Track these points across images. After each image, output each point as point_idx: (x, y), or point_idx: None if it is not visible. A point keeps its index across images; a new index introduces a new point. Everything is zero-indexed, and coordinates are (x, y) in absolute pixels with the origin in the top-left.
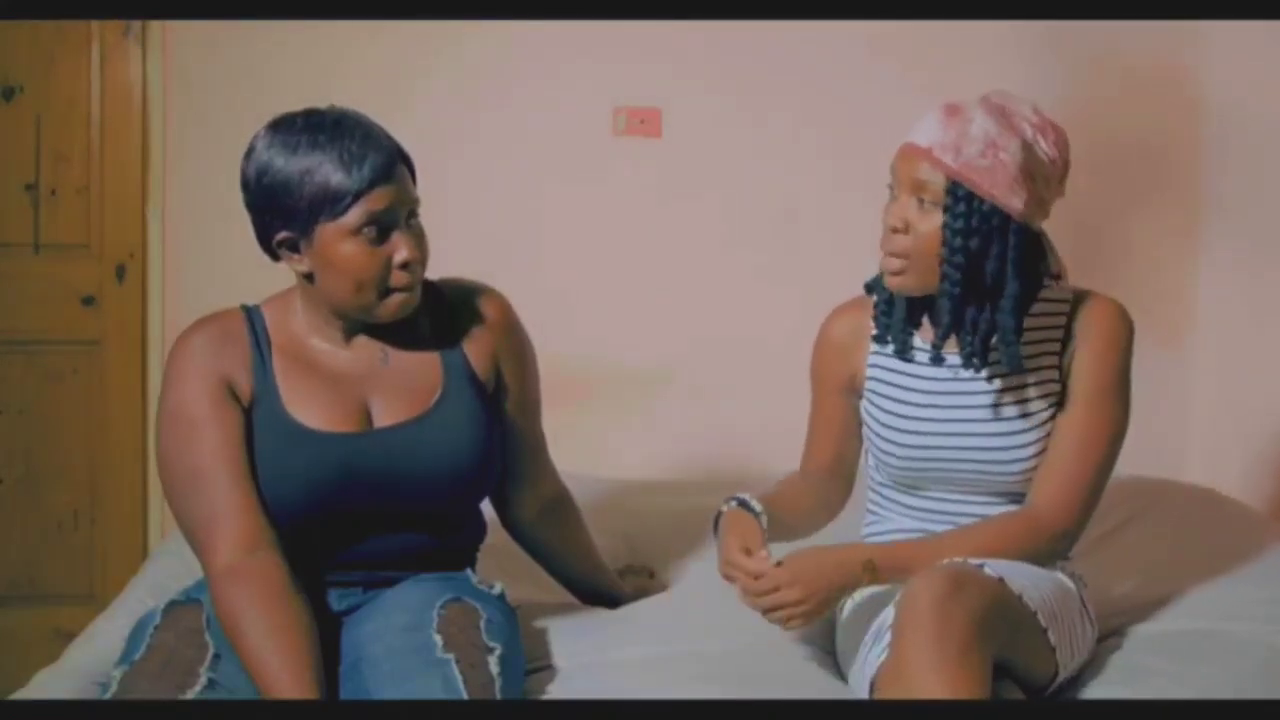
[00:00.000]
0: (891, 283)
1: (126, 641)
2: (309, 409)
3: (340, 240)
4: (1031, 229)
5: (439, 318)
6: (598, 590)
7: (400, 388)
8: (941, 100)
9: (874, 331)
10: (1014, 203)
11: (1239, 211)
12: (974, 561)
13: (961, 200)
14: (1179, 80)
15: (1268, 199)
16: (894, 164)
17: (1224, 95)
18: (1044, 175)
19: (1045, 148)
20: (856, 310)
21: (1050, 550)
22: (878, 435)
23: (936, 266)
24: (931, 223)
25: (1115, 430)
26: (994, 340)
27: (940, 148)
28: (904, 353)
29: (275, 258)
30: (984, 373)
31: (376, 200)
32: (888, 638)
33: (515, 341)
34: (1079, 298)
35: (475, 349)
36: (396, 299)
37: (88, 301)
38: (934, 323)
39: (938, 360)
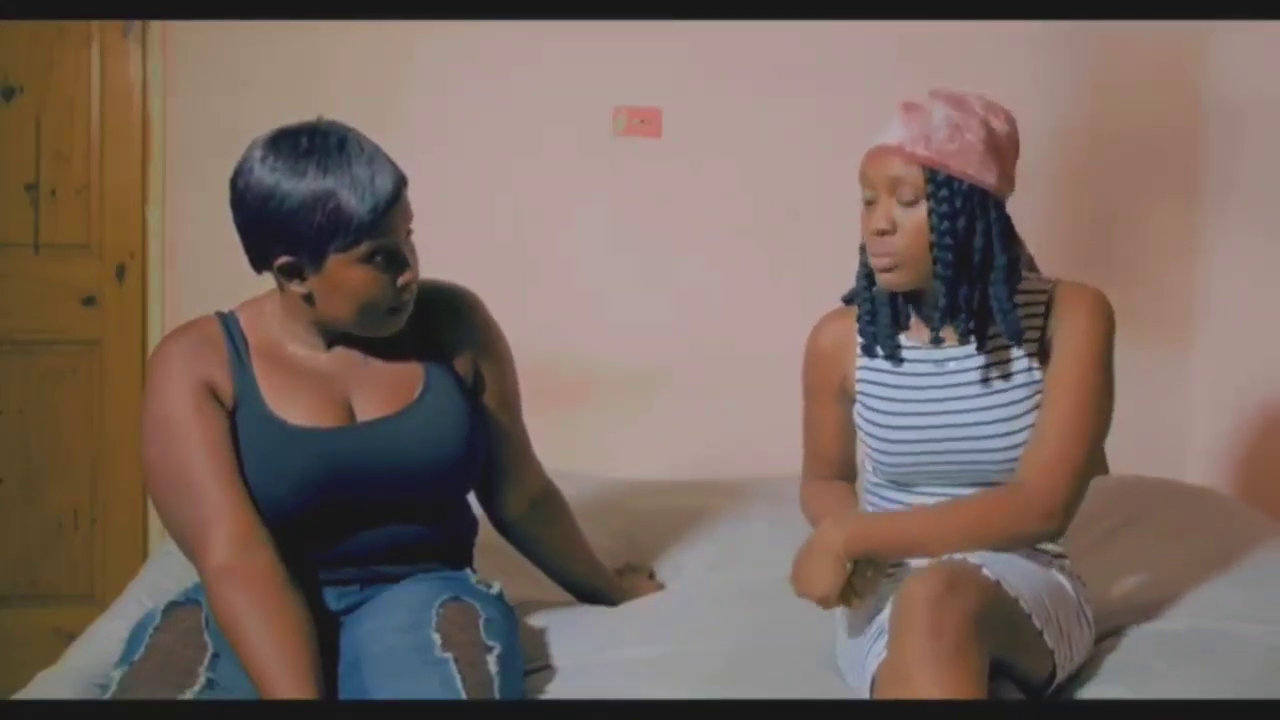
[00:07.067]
0: (885, 279)
1: (126, 642)
2: (292, 407)
3: (350, 267)
4: (1004, 205)
5: (414, 318)
6: (595, 589)
7: (382, 384)
8: None
9: (860, 343)
10: (988, 178)
11: (1242, 212)
12: (973, 560)
13: (942, 185)
14: (1186, 78)
15: (1272, 199)
16: (864, 171)
17: (1228, 92)
18: (1004, 149)
19: (998, 124)
20: (841, 318)
21: (1036, 531)
22: (872, 435)
23: (928, 257)
24: (916, 217)
25: (1100, 413)
26: (993, 313)
27: (910, 141)
28: (895, 359)
29: (260, 271)
30: (970, 363)
31: (388, 226)
32: (887, 637)
33: (491, 338)
34: (1057, 286)
35: (453, 347)
36: (398, 316)
37: (88, 301)
38: (922, 315)
39: (937, 347)
